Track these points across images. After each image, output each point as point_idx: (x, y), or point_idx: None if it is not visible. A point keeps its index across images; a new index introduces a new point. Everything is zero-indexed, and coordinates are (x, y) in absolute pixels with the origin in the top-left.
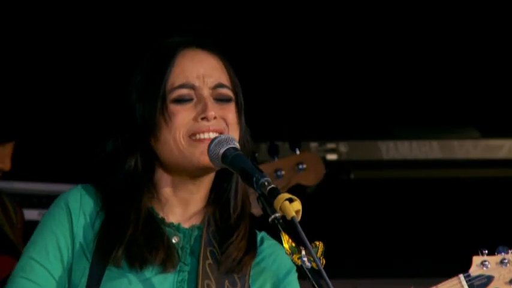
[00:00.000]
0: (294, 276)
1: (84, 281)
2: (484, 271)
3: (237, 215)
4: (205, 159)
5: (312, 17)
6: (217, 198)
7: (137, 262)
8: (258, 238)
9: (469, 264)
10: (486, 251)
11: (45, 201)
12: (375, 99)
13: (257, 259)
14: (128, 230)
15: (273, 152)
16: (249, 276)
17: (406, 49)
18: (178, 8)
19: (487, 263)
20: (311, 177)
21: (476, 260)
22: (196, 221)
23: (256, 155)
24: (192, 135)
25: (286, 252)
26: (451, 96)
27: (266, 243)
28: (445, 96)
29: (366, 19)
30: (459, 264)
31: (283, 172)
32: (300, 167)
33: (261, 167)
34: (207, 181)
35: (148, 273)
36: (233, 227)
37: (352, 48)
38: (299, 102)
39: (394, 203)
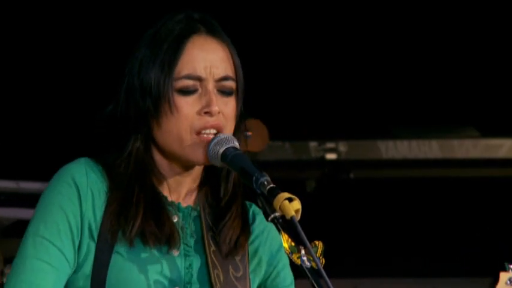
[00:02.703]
0: (284, 250)
1: (89, 260)
2: None
3: (228, 197)
4: (204, 157)
5: (312, 16)
6: (209, 180)
7: (151, 239)
8: (250, 214)
9: (469, 264)
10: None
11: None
12: (374, 99)
13: (251, 237)
14: (140, 210)
15: None
16: (248, 256)
17: (406, 49)
18: (177, 6)
19: None
20: (257, 144)
21: (504, 276)
22: (190, 202)
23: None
24: (197, 133)
25: (285, 252)
26: (451, 96)
27: (258, 219)
28: (445, 96)
29: (366, 19)
30: (458, 263)
31: None
32: (246, 134)
33: None
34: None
35: (157, 255)
36: (224, 209)
37: (352, 48)
38: (299, 101)
39: (394, 203)
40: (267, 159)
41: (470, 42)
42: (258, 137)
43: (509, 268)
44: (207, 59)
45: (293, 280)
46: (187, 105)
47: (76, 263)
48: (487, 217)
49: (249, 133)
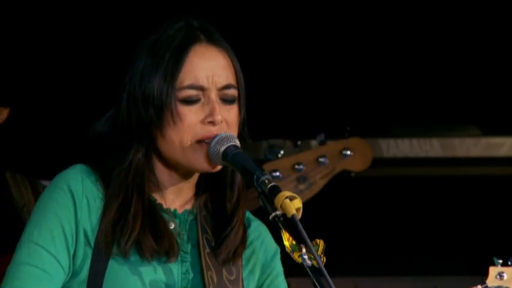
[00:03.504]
0: (278, 258)
1: (86, 267)
2: (501, 283)
3: (233, 204)
4: (208, 165)
5: (312, 15)
6: (209, 184)
7: (148, 252)
8: (245, 220)
9: (469, 262)
10: (501, 261)
11: None
12: (375, 97)
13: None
14: (137, 222)
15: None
16: (241, 261)
17: (407, 47)
18: (176, 6)
19: (504, 274)
20: (358, 163)
21: (493, 271)
22: (188, 206)
23: (350, 152)
24: (199, 141)
25: (286, 250)
26: (452, 94)
27: (253, 225)
28: (446, 94)
29: (366, 18)
30: (459, 262)
31: (327, 158)
32: (346, 153)
33: (303, 154)
34: None
35: (154, 263)
36: (229, 215)
37: (352, 47)
38: (299, 100)
39: (395, 201)
40: (268, 158)
41: (471, 41)
42: (360, 157)
43: (498, 263)
44: (209, 68)
45: None
46: (190, 114)
47: (71, 270)
48: (488, 216)
49: (350, 152)
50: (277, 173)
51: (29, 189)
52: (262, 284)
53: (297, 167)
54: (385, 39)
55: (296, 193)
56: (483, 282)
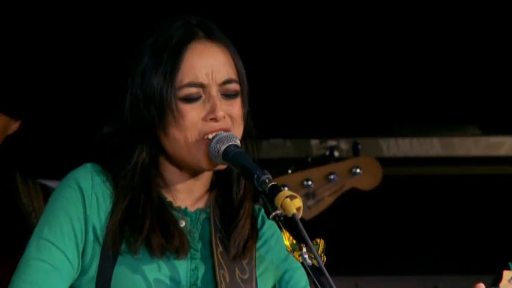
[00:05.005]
0: None
1: (95, 264)
2: None
3: (239, 197)
4: (213, 164)
5: (313, 14)
6: (220, 181)
7: (157, 250)
8: (259, 219)
9: (469, 262)
10: None
11: None
12: (375, 97)
13: (260, 242)
14: (146, 222)
15: (331, 155)
16: (255, 261)
17: (407, 46)
18: (176, 6)
19: None
20: (367, 182)
21: (507, 274)
22: (201, 204)
23: (360, 170)
24: (202, 136)
25: (287, 250)
26: (452, 94)
27: (267, 224)
28: (446, 94)
29: (367, 18)
30: (459, 262)
31: (337, 176)
32: (355, 171)
33: (312, 170)
34: None
35: (163, 260)
36: (236, 208)
37: (353, 46)
38: (300, 98)
39: (395, 201)
40: (268, 157)
41: (471, 41)
42: (370, 176)
43: None
44: (208, 64)
45: (307, 282)
46: (192, 112)
47: (80, 267)
48: (488, 215)
49: (360, 170)
50: (285, 188)
51: (41, 195)
52: (280, 280)
53: (305, 183)
54: (385, 39)
55: (303, 209)
56: (496, 286)
